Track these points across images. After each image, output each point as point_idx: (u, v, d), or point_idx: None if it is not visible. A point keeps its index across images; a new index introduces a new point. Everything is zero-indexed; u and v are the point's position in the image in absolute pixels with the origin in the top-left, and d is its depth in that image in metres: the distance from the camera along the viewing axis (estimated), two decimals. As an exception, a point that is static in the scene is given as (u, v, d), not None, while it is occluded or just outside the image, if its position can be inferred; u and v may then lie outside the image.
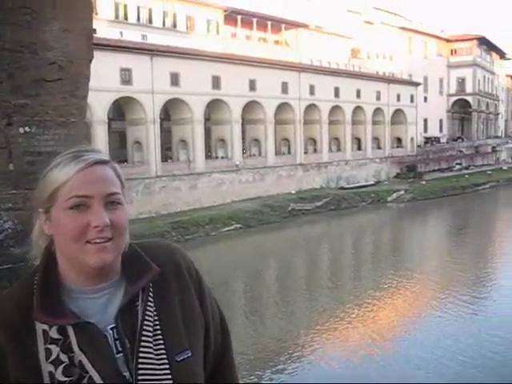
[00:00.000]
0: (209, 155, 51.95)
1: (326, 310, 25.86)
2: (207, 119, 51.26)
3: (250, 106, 53.20)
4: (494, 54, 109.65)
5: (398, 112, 73.87)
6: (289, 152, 58.61)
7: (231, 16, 61.43)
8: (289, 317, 25.00)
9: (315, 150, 61.75)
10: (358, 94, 66.31)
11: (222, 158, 52.42)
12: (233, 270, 34.41)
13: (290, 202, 51.40)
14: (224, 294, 28.89)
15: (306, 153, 60.10)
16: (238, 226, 44.08)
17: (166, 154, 49.69)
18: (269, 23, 66.16)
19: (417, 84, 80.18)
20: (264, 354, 20.67)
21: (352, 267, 35.83)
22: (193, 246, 38.98)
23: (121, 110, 47.98)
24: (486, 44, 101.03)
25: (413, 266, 33.54)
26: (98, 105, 38.90)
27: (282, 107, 56.62)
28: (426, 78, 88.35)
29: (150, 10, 56.33)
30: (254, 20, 64.10)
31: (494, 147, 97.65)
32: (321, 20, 77.47)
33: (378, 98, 70.16)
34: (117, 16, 53.71)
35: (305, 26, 70.61)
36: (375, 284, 29.68)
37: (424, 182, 67.74)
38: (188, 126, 48.34)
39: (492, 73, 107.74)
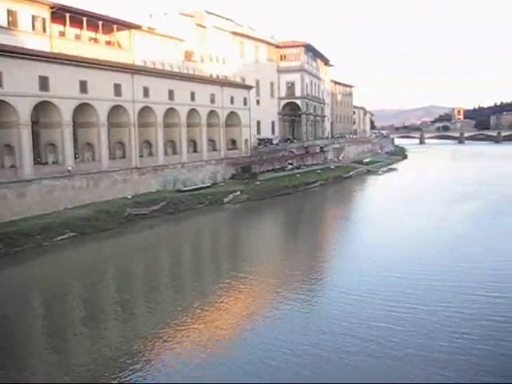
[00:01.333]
0: (38, 161, 48.94)
1: (165, 314, 25.76)
2: (35, 122, 48.23)
3: (81, 109, 51.08)
4: (319, 61, 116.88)
5: (232, 114, 75.69)
6: (124, 156, 57.29)
7: (59, 13, 58.42)
8: (129, 324, 24.50)
9: (151, 154, 61.08)
10: (193, 97, 66.82)
11: (53, 163, 49.75)
12: (69, 281, 32.78)
13: (126, 207, 50.35)
14: (62, 306, 27.65)
15: (141, 156, 59.24)
16: (73, 234, 42.19)
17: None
18: (100, 23, 63.99)
19: (249, 87, 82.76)
20: (103, 362, 20.12)
21: (192, 271, 35.97)
22: (22, 258, 36.66)
23: None
24: (311, 51, 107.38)
25: (250, 267, 34.49)
26: None
27: (116, 110, 55.19)
28: (258, 82, 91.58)
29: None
30: (84, 19, 61.62)
31: (322, 147, 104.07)
32: (154, 22, 76.88)
33: (213, 101, 71.31)
34: None
35: (137, 27, 69.48)
36: (214, 286, 30.12)
37: (259, 183, 70.21)
38: (13, 130, 45.14)
39: (318, 78, 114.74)
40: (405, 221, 50.48)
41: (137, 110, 57.56)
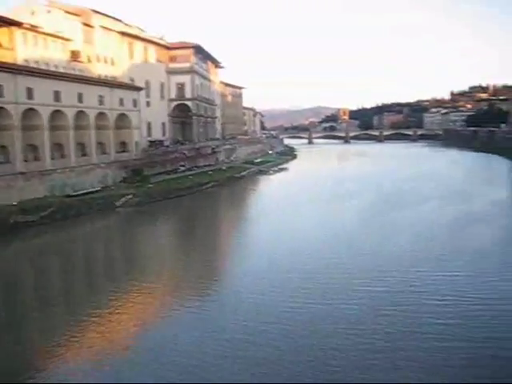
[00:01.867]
0: None
1: (59, 325, 25.02)
2: None
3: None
4: (209, 63, 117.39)
5: (122, 116, 74.28)
6: (7, 161, 54.37)
7: None
8: (20, 339, 23.52)
9: (37, 158, 58.43)
10: (81, 98, 64.84)
11: None
12: None
13: (11, 214, 47.90)
14: None
15: (26, 161, 56.49)
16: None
17: None
18: (-24, 19, 60.40)
19: (139, 88, 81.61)
20: None
21: (82, 280, 35.06)
22: None
23: None
24: (201, 53, 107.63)
25: (143, 274, 34.29)
26: None
27: (-3, 112, 52.33)
28: (147, 83, 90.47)
29: None
30: (-41, 15, 58.00)
31: (213, 149, 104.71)
32: (37, 19, 73.61)
33: (101, 103, 69.58)
34: None
35: (18, 24, 66.10)
36: (105, 296, 29.57)
37: (151, 185, 69.43)
38: None
39: (209, 79, 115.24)
40: (296, 219, 52.28)
41: (20, 112, 54.91)
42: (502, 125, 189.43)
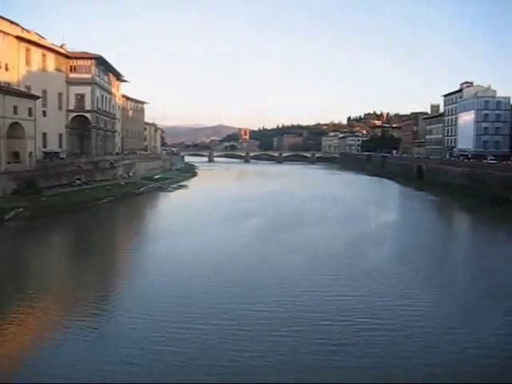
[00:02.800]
0: None
1: None
2: None
3: None
4: (111, 75, 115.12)
5: (15, 125, 70.81)
6: None
7: None
8: None
9: None
10: (-30, 105, 61.31)
11: None
12: None
13: None
14: None
15: None
16: None
17: None
18: None
19: (35, 97, 78.36)
20: None
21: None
22: None
23: None
24: (103, 64, 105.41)
25: (37, 292, 32.59)
26: None
27: None
28: (45, 92, 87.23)
29: None
30: None
31: (112, 163, 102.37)
32: None
33: (-7, 110, 66.09)
34: None
35: None
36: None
37: (44, 198, 66.56)
38: None
39: (110, 92, 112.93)
40: (192, 238, 52.06)
41: None
42: (394, 151, 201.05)
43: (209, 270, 38.06)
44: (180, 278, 35.93)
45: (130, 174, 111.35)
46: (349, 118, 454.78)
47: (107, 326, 26.69)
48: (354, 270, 39.22)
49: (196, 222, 62.47)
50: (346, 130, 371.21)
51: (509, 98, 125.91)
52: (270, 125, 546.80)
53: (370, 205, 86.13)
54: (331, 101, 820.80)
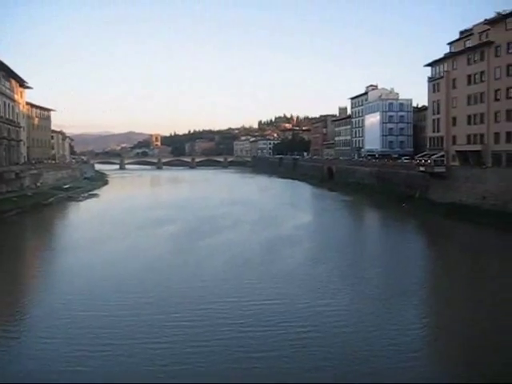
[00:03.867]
0: None
1: None
2: None
3: None
4: (13, 82, 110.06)
5: None
6: None
7: None
8: None
9: None
10: None
11: None
12: None
13: None
14: None
15: None
16: None
17: None
18: None
19: None
20: None
21: None
22: None
23: None
24: (4, 70, 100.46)
25: None
26: None
27: None
28: None
29: None
30: None
31: (17, 174, 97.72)
32: None
33: None
34: None
35: None
36: None
37: None
38: None
39: (13, 99, 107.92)
40: (105, 249, 50.89)
41: None
42: (305, 153, 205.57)
43: (123, 284, 37.12)
44: (91, 294, 34.63)
45: (38, 184, 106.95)
46: (260, 122, 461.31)
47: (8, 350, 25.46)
48: (271, 273, 39.70)
49: (109, 232, 60.82)
50: (257, 133, 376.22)
51: (411, 100, 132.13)
52: (182, 130, 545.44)
53: (285, 207, 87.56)
54: (242, 104, 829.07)
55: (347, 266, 43.06)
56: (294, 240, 54.88)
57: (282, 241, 53.90)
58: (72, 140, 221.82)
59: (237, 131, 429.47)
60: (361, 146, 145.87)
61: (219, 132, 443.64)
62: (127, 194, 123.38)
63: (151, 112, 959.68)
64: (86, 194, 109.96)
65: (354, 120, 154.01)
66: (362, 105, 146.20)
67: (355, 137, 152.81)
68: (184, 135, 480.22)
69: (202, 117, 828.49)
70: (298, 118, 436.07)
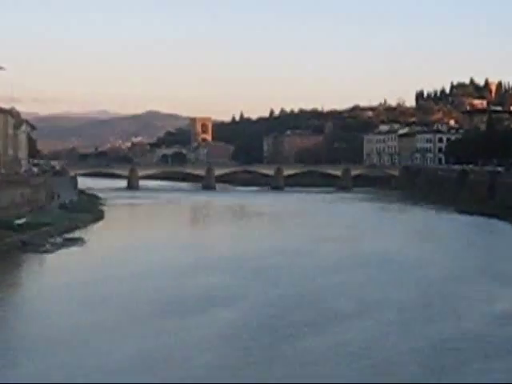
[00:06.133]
0: None
1: None
2: None
3: None
4: None
5: None
6: None
7: None
8: None
9: None
10: None
11: None
12: None
13: None
14: None
15: None
16: None
17: None
18: None
19: None
20: None
21: None
22: None
23: None
24: None
25: None
26: None
27: None
28: None
29: None
30: None
31: None
32: None
33: None
34: None
35: None
36: None
37: None
38: None
39: None
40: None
41: None
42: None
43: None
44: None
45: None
46: (419, 95, 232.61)
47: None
48: None
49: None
50: (413, 119, 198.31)
51: None
52: (256, 112, 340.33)
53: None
54: (380, 66, 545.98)
55: None
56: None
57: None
58: (34, 128, 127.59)
59: (370, 113, 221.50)
60: None
61: (334, 113, 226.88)
62: (140, 242, 60.64)
63: (192, 75, 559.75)
64: (58, 239, 60.95)
65: None
66: None
67: None
68: (260, 120, 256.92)
69: (298, 88, 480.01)
70: (500, 84, 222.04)
